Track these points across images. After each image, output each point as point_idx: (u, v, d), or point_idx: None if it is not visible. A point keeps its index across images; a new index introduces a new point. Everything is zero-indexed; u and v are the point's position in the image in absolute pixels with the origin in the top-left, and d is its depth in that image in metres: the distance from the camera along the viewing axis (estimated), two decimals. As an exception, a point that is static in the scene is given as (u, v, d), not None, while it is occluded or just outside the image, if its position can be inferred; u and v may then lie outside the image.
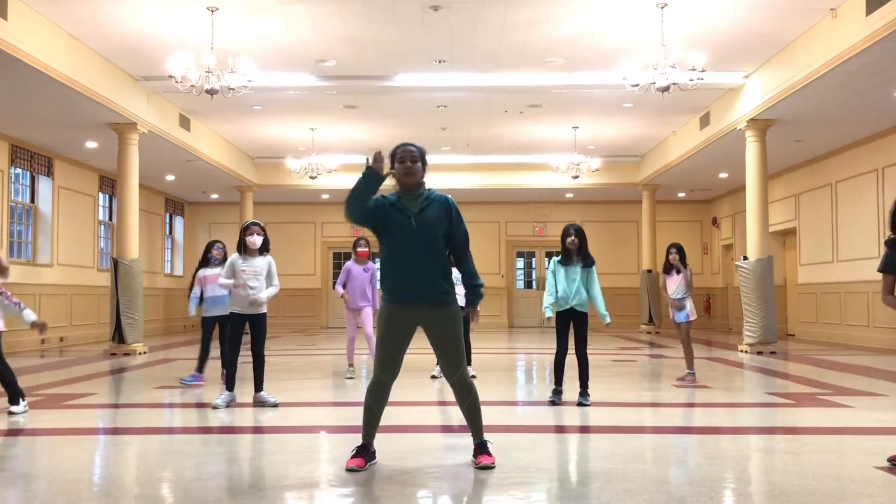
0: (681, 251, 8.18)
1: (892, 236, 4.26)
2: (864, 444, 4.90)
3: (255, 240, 6.60)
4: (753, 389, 8.18)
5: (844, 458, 4.50)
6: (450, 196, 4.46)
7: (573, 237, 6.65)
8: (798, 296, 16.14)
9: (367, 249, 8.62)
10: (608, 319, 6.67)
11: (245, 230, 6.66)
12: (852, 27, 8.82)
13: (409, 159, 4.33)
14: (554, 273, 6.71)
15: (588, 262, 6.67)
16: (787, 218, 16.53)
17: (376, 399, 4.35)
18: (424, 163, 4.39)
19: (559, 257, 6.73)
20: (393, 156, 4.40)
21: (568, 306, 6.62)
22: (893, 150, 12.66)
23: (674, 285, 8.09)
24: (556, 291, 6.66)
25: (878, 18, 8.30)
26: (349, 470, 4.20)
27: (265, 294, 6.61)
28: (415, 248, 4.27)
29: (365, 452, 4.31)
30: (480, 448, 4.36)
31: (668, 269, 8.16)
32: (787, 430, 5.73)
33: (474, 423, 4.40)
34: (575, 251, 6.66)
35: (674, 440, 5.31)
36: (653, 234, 18.80)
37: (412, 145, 4.39)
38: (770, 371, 9.75)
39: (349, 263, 8.66)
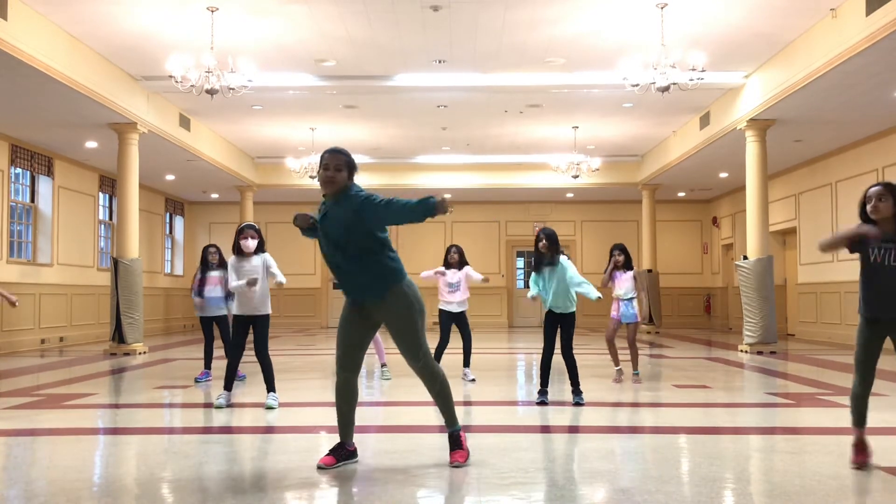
0: (626, 252, 8.23)
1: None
2: (864, 444, 4.88)
3: (250, 243, 6.68)
4: (753, 389, 8.18)
5: (844, 458, 4.49)
6: (359, 189, 4.30)
7: (543, 241, 6.78)
8: (798, 296, 16.14)
9: None
10: (593, 296, 6.78)
11: (240, 233, 6.73)
12: (852, 27, 8.82)
13: (332, 167, 4.26)
14: (535, 282, 6.87)
15: (554, 260, 6.74)
16: (787, 218, 16.54)
17: (345, 398, 4.41)
18: (352, 171, 4.30)
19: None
20: (320, 161, 4.33)
21: (547, 308, 6.78)
22: (893, 150, 12.66)
23: (624, 285, 8.10)
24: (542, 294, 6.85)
25: (877, 18, 8.30)
26: (319, 468, 4.26)
27: (280, 278, 6.76)
28: (332, 251, 4.27)
29: (340, 450, 4.37)
30: (454, 441, 4.39)
31: (613, 269, 8.15)
32: (787, 430, 5.73)
33: (446, 409, 4.43)
34: (547, 255, 6.77)
35: (673, 440, 5.31)
36: (653, 233, 18.81)
37: (339, 152, 4.30)
38: (770, 371, 9.75)
39: None
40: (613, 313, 8.21)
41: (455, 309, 8.32)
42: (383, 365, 8.60)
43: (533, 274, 6.93)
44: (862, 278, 4.30)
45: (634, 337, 8.37)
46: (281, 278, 6.77)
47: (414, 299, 4.30)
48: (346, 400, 4.41)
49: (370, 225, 4.19)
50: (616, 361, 8.28)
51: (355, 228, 4.18)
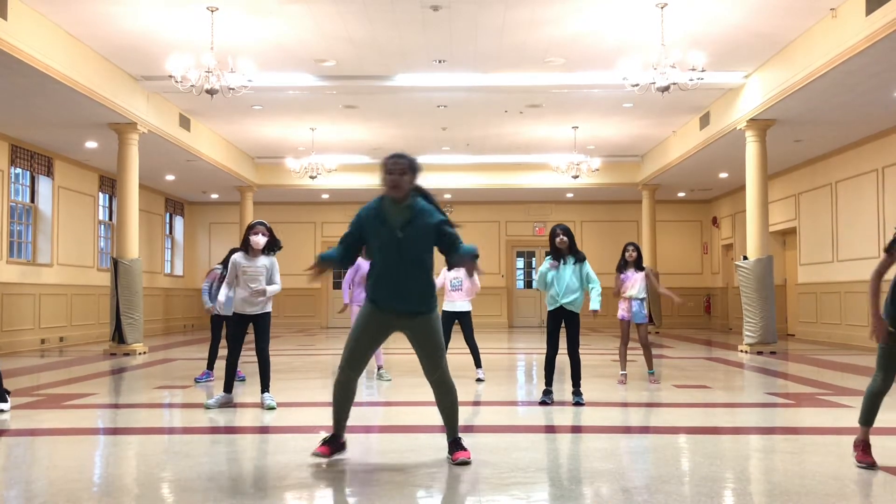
0: (638, 250, 8.22)
1: None
2: (864, 444, 4.88)
3: (259, 239, 6.56)
4: (753, 389, 8.18)
5: (844, 458, 4.50)
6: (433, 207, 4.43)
7: (562, 236, 6.71)
8: (798, 296, 16.13)
9: None
10: (597, 307, 7.01)
11: (250, 229, 6.64)
12: (852, 27, 8.82)
13: (397, 172, 4.33)
14: (546, 273, 6.74)
15: (579, 258, 6.73)
16: (787, 218, 16.54)
17: (346, 396, 4.50)
18: (415, 172, 4.38)
19: (549, 258, 6.82)
20: (384, 166, 4.38)
21: (558, 305, 6.67)
22: (893, 150, 12.66)
23: (636, 284, 8.06)
24: (548, 290, 6.73)
25: (877, 18, 8.30)
26: (315, 455, 4.44)
27: (269, 288, 6.55)
28: (398, 260, 4.32)
29: (334, 442, 4.51)
30: (455, 445, 4.46)
31: (624, 266, 8.11)
32: (787, 430, 5.73)
33: (451, 421, 4.52)
34: (565, 250, 6.71)
35: (674, 440, 5.31)
36: (653, 234, 18.81)
37: (401, 157, 4.38)
38: (770, 371, 9.75)
39: (360, 259, 8.59)
40: (623, 314, 8.14)
41: (457, 308, 8.28)
42: (380, 367, 8.63)
43: (543, 267, 6.77)
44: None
45: (647, 337, 8.29)
46: (275, 288, 6.60)
47: (439, 318, 4.54)
48: (347, 398, 4.50)
49: (444, 241, 4.34)
50: (624, 365, 8.21)
51: (428, 243, 4.33)
